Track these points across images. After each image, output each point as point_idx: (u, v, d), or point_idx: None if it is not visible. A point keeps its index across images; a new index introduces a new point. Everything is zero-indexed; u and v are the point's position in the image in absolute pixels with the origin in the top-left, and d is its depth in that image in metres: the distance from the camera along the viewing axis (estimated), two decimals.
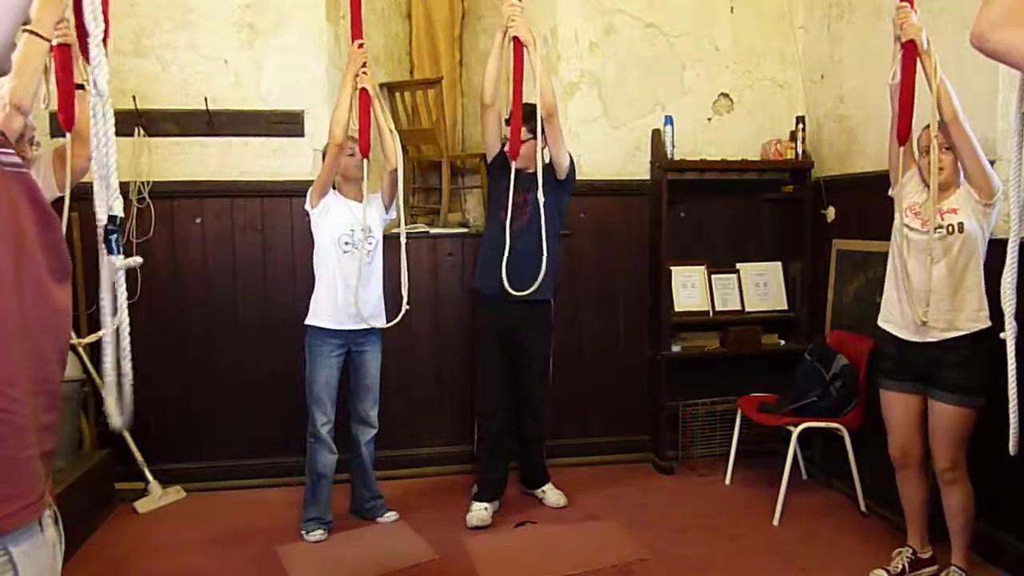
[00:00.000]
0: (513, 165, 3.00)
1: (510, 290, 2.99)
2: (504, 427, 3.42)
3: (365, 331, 3.19)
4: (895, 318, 2.68)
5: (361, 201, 3.12)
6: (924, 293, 2.53)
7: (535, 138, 3.07)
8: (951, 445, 2.53)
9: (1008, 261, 1.39)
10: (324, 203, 3.13)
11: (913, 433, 2.66)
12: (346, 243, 3.13)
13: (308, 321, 3.17)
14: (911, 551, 2.76)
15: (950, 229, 2.52)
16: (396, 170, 3.12)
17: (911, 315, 2.55)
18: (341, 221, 3.13)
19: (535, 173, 3.18)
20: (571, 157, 3.33)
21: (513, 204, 3.16)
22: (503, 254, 3.01)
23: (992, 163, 2.80)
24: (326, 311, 3.14)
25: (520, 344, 3.37)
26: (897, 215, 2.67)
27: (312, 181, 3.15)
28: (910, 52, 2.45)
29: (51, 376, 1.09)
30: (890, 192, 2.74)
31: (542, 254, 3.02)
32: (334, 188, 3.20)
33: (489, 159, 3.36)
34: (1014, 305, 1.40)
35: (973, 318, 2.51)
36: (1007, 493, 2.74)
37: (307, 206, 3.15)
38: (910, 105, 2.50)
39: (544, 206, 3.09)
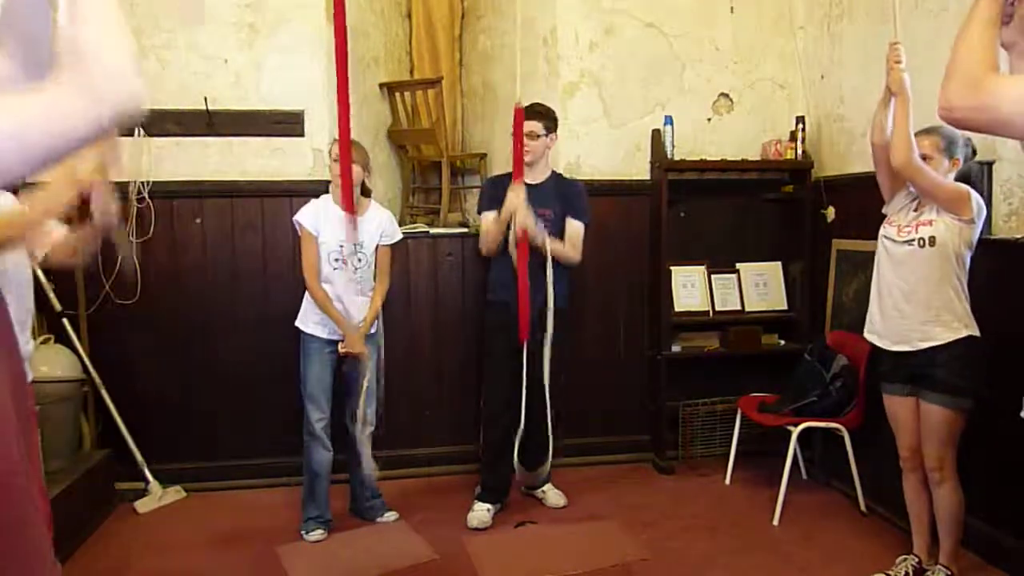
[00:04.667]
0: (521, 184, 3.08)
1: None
2: (509, 432, 3.41)
3: None
4: (876, 328, 2.71)
5: (355, 212, 3.10)
6: (891, 300, 2.60)
7: (546, 136, 3.24)
8: (939, 445, 2.55)
9: None
10: (315, 224, 3.11)
11: (917, 433, 2.65)
12: (336, 259, 3.13)
13: (298, 324, 3.19)
14: (916, 560, 2.75)
15: (921, 243, 2.53)
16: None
17: (892, 325, 2.61)
18: (331, 237, 3.12)
19: (543, 184, 3.26)
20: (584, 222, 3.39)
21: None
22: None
23: (991, 163, 2.81)
24: (314, 320, 3.16)
25: (530, 347, 3.34)
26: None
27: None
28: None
29: (33, 434, 1.01)
30: (884, 210, 2.78)
31: (554, 267, 3.15)
32: (327, 192, 3.22)
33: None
34: None
35: (950, 329, 2.51)
36: (1006, 492, 2.74)
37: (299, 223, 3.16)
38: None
39: (552, 220, 3.20)
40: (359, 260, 3.14)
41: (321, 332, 3.14)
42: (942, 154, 2.54)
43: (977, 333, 2.51)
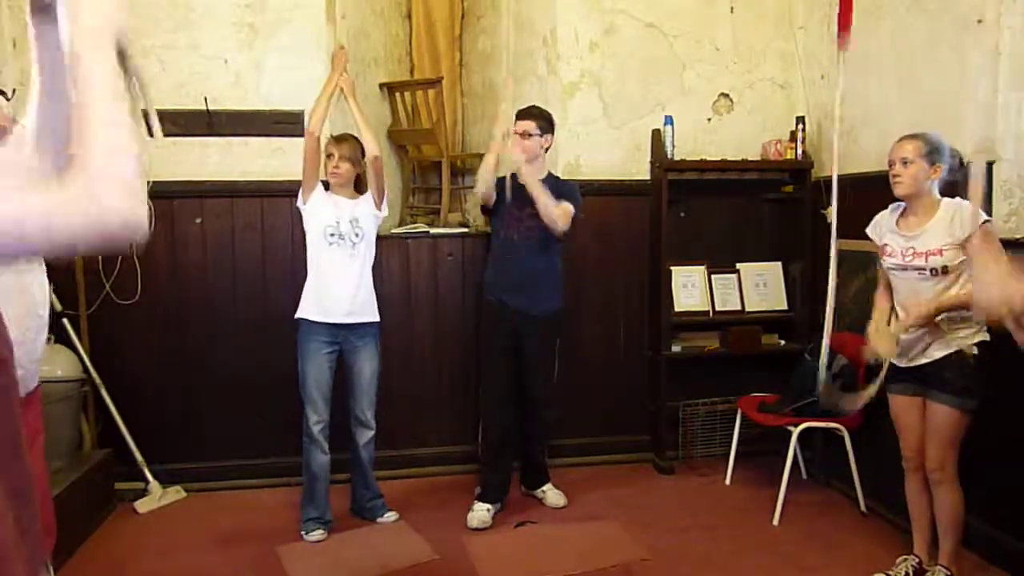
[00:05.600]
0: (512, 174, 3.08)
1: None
2: (507, 432, 3.42)
3: (357, 330, 3.19)
4: (905, 353, 2.68)
5: (351, 199, 3.21)
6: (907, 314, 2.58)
7: (540, 136, 3.25)
8: (941, 445, 2.55)
9: None
10: (313, 200, 3.17)
11: (922, 434, 2.65)
12: (331, 234, 3.14)
13: (297, 314, 3.18)
14: (917, 560, 2.75)
15: (933, 272, 2.51)
16: (378, 157, 3.20)
17: (913, 343, 2.60)
18: (327, 213, 3.16)
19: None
20: (576, 203, 3.32)
21: (515, 218, 3.23)
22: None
23: (991, 163, 2.81)
24: (313, 304, 3.16)
25: (525, 347, 3.36)
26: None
27: None
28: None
29: (19, 467, 0.92)
30: (867, 230, 2.77)
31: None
32: (328, 189, 3.22)
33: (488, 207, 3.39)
34: None
35: (967, 336, 2.51)
36: (1007, 493, 2.74)
37: (298, 203, 3.19)
38: None
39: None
40: (357, 235, 3.16)
41: (316, 314, 3.13)
42: (923, 159, 2.51)
43: (988, 337, 2.51)
